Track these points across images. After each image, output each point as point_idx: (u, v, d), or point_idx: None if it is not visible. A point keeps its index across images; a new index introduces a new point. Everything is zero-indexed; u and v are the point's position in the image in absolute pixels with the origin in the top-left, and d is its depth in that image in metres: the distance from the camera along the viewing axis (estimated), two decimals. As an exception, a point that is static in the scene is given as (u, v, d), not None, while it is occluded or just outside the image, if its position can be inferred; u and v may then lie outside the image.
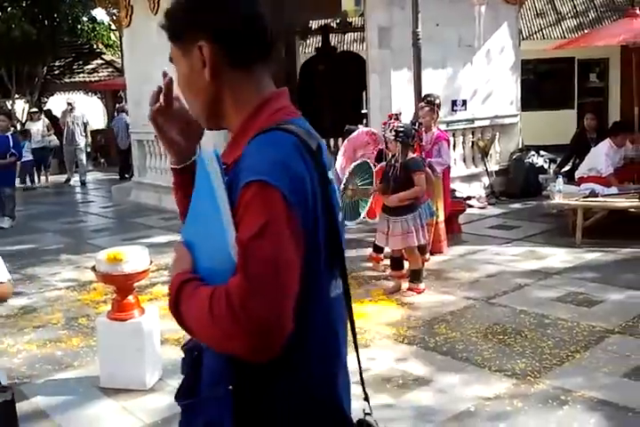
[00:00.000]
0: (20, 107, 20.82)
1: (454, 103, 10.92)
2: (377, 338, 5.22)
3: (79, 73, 21.78)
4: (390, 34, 10.05)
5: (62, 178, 17.06)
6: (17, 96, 20.41)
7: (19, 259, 8.42)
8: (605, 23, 16.94)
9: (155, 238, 8.94)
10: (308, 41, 19.82)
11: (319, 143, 1.49)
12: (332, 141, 11.27)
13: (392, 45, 10.04)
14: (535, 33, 18.56)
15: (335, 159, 7.53)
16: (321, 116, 13.52)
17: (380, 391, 4.27)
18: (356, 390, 4.55)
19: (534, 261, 7.25)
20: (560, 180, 8.47)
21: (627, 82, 11.76)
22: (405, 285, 6.37)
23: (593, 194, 8.23)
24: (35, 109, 17.86)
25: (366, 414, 1.73)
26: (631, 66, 9.94)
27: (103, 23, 25.17)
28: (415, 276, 6.35)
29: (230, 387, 1.45)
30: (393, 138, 6.19)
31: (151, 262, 4.52)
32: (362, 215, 6.87)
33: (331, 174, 1.55)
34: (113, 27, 20.42)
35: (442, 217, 7.56)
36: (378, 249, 7.10)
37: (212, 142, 2.08)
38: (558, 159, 11.40)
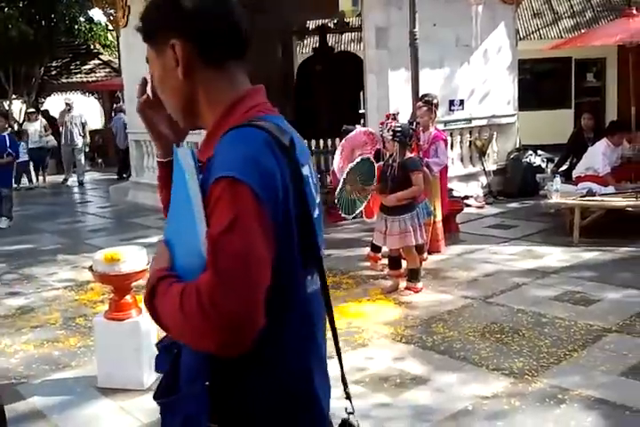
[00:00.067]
0: (18, 107, 20.81)
1: (452, 103, 10.92)
2: (375, 337, 5.22)
3: (76, 73, 21.77)
4: (388, 34, 10.06)
5: (60, 178, 17.04)
6: (14, 96, 20.38)
7: (16, 259, 8.43)
8: (602, 23, 16.97)
9: (152, 238, 8.94)
10: (305, 41, 19.85)
11: (292, 139, 1.49)
12: (329, 141, 11.26)
13: (389, 45, 10.05)
14: (532, 33, 18.58)
15: (332, 159, 7.52)
16: (318, 116, 13.55)
17: (377, 391, 4.28)
18: (354, 390, 4.54)
19: (532, 261, 7.26)
20: (557, 179, 8.48)
21: (624, 81, 11.77)
22: (403, 284, 6.38)
23: (590, 193, 8.24)
24: (32, 110, 17.85)
25: (349, 413, 1.72)
26: (628, 65, 9.97)
27: (100, 23, 25.13)
28: (413, 275, 6.35)
29: (207, 383, 1.46)
30: (390, 138, 6.19)
31: (148, 262, 4.52)
32: (357, 212, 6.88)
33: (306, 170, 1.55)
34: (110, 27, 20.40)
35: (439, 216, 7.57)
36: (376, 248, 7.10)
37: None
38: (556, 159, 11.42)
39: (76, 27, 22.76)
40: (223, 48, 1.55)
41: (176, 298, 1.36)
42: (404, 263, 6.47)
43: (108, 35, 25.47)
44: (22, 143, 14.65)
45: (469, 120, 11.25)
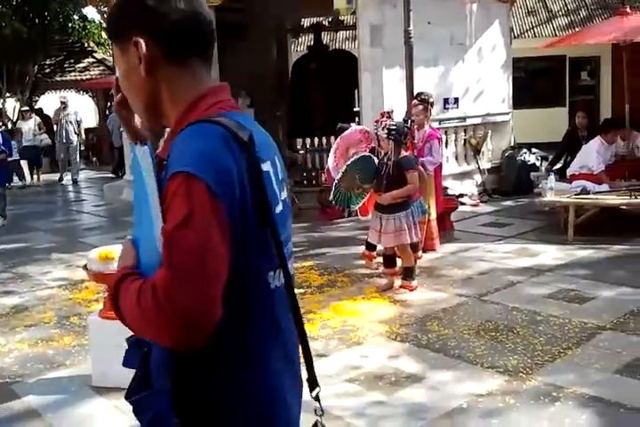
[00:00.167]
0: (11, 105, 20.75)
1: (446, 101, 10.94)
2: (369, 335, 5.22)
3: (70, 71, 21.70)
4: (382, 32, 10.06)
5: (54, 177, 17.01)
6: (8, 95, 20.33)
7: (10, 258, 8.41)
8: (596, 21, 17.00)
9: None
10: (299, 39, 19.81)
11: (251, 135, 1.48)
12: (324, 139, 11.27)
13: (384, 44, 10.05)
14: (526, 31, 18.61)
15: (327, 157, 7.52)
16: (313, 114, 13.53)
17: (372, 389, 4.28)
18: (349, 388, 4.52)
19: (526, 259, 7.27)
20: (552, 177, 8.49)
21: (618, 80, 11.78)
22: (398, 282, 6.38)
23: (584, 191, 8.26)
24: (26, 108, 17.80)
25: (319, 415, 1.72)
26: (622, 64, 9.96)
27: (94, 21, 25.10)
28: (408, 273, 6.35)
29: (173, 378, 1.47)
30: (385, 136, 6.19)
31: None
32: (355, 207, 6.90)
33: (267, 166, 1.55)
34: (104, 25, 20.35)
35: (434, 215, 7.58)
36: (370, 247, 7.10)
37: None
38: (550, 157, 11.45)
39: (70, 25, 22.71)
40: (186, 46, 1.56)
41: (134, 294, 1.38)
42: (398, 261, 6.48)
43: (102, 33, 25.42)
44: (13, 142, 14.61)
45: (464, 118, 11.27)
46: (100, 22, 22.11)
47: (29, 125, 16.60)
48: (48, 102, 21.20)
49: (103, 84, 19.92)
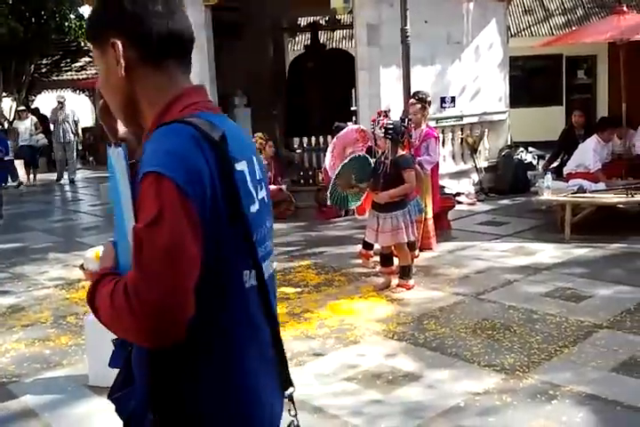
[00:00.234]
0: (8, 105, 20.71)
1: (443, 100, 10.93)
2: (367, 334, 5.23)
3: (67, 71, 21.67)
4: (379, 31, 10.05)
5: (50, 176, 16.98)
6: (4, 94, 20.29)
7: (7, 257, 8.39)
8: (593, 20, 17.03)
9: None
10: (296, 38, 19.81)
11: (224, 134, 1.49)
12: (321, 138, 11.27)
13: (381, 43, 10.04)
14: (523, 30, 18.63)
15: (324, 156, 7.52)
16: (310, 114, 13.52)
17: (369, 387, 4.28)
18: (346, 387, 4.52)
19: (523, 257, 7.28)
20: (548, 176, 8.51)
21: (614, 79, 11.78)
22: (395, 281, 6.38)
23: (581, 190, 8.27)
24: (22, 108, 17.75)
25: (293, 415, 1.72)
26: (619, 63, 9.98)
27: (91, 21, 25.03)
28: (405, 272, 6.36)
29: (150, 374, 1.49)
30: (382, 135, 6.20)
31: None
32: (352, 207, 6.91)
33: (241, 166, 1.56)
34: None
35: (430, 214, 7.58)
36: (367, 246, 7.11)
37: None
38: (547, 156, 11.45)
39: (67, 24, 22.69)
40: (162, 48, 1.58)
41: (108, 295, 1.40)
42: (395, 260, 6.48)
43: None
44: (9, 142, 14.58)
45: (461, 117, 11.27)
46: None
47: (26, 125, 16.57)
48: (44, 102, 21.18)
49: (100, 83, 19.89)
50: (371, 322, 5.49)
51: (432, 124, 8.95)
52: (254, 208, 1.58)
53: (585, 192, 8.24)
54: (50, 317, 6.02)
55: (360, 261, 7.29)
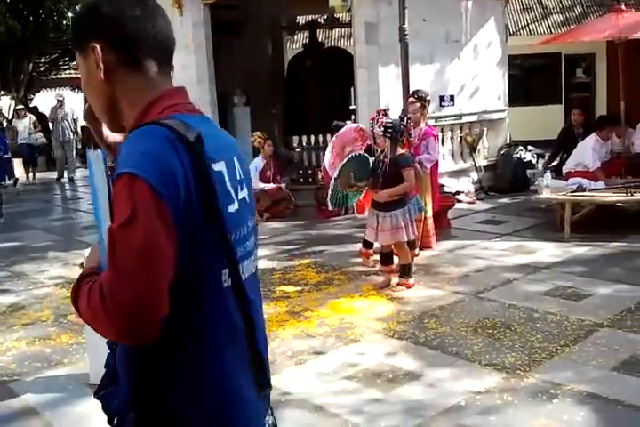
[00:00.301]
0: (6, 104, 20.69)
1: (442, 99, 10.93)
2: (367, 333, 5.23)
3: (65, 69, 21.65)
4: (377, 30, 10.05)
5: (49, 175, 16.97)
6: (3, 93, 20.28)
7: (7, 256, 8.39)
8: (591, 18, 17.02)
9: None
10: (295, 37, 19.79)
11: (199, 135, 1.50)
12: (320, 137, 11.27)
13: (379, 41, 10.04)
14: (522, 28, 18.63)
15: (323, 155, 7.52)
16: (309, 112, 13.52)
17: (369, 386, 4.29)
18: (347, 385, 4.52)
19: (523, 256, 7.28)
20: (548, 174, 8.51)
21: (613, 77, 11.79)
22: (395, 280, 6.39)
23: (580, 188, 8.28)
24: (21, 106, 17.72)
25: (268, 415, 1.72)
26: (617, 61, 9.98)
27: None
28: (405, 271, 6.36)
29: (131, 372, 1.51)
30: (382, 134, 6.20)
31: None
32: (350, 204, 6.92)
33: (219, 166, 1.56)
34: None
35: (430, 212, 7.58)
36: (367, 244, 7.11)
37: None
38: (546, 154, 11.46)
39: (65, 22, 22.57)
40: (140, 52, 1.61)
41: (86, 295, 1.42)
42: (395, 259, 6.48)
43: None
44: (6, 140, 14.56)
45: (460, 116, 11.27)
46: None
47: (24, 124, 16.54)
48: (43, 100, 21.14)
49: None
50: (371, 321, 5.50)
51: (431, 122, 8.95)
52: (233, 208, 1.59)
53: (584, 191, 8.24)
54: (50, 315, 6.02)
55: (360, 259, 7.29)
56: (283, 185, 10.36)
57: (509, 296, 5.94)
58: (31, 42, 19.37)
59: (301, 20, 17.92)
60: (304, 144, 11.55)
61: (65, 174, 16.39)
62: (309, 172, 11.25)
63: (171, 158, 1.43)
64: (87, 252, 4.48)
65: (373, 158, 6.49)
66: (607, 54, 15.69)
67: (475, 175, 11.48)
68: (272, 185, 10.15)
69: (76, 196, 14.75)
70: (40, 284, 7.10)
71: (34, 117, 17.21)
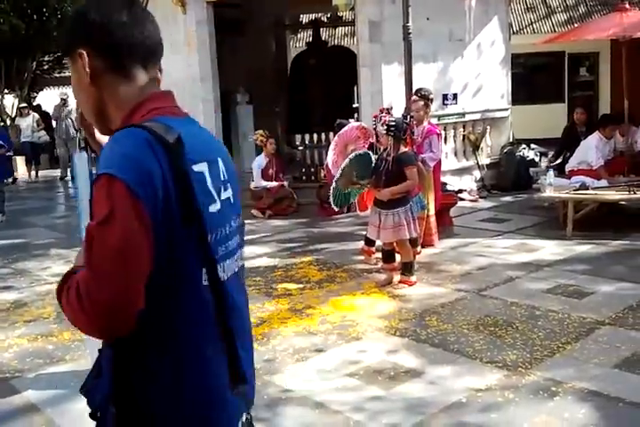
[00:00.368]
0: (10, 102, 20.71)
1: (445, 97, 10.93)
2: (369, 330, 5.23)
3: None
4: (381, 28, 10.04)
5: (52, 173, 16.98)
6: (6, 91, 20.28)
7: (9, 253, 8.41)
8: (595, 17, 16.98)
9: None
10: (298, 35, 19.79)
11: (179, 137, 1.51)
12: (323, 135, 11.28)
13: (383, 40, 10.03)
14: (525, 27, 18.60)
15: (326, 153, 7.52)
16: (312, 111, 13.52)
17: (371, 383, 4.29)
18: (348, 382, 4.52)
19: (525, 254, 7.27)
20: (550, 173, 8.50)
21: (617, 76, 11.80)
22: (397, 277, 6.39)
23: (583, 187, 8.27)
24: (24, 105, 17.74)
25: (248, 414, 1.72)
26: (621, 60, 9.97)
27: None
28: (407, 268, 6.36)
29: (112, 367, 1.53)
30: (384, 132, 6.19)
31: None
32: (350, 201, 6.93)
33: (201, 167, 1.58)
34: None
35: (432, 210, 7.58)
36: (369, 242, 7.11)
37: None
38: (549, 153, 11.45)
39: (68, 21, 22.66)
40: (126, 56, 1.64)
41: (65, 292, 1.46)
42: (397, 257, 6.48)
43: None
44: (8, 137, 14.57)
45: (463, 114, 11.26)
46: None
47: (28, 122, 16.57)
48: (47, 99, 21.16)
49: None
50: (373, 318, 5.50)
51: (434, 121, 8.95)
52: (214, 208, 1.60)
53: (587, 189, 8.23)
54: (52, 312, 6.02)
55: (362, 257, 7.29)
56: (285, 183, 10.36)
57: (511, 294, 5.94)
58: (35, 40, 19.36)
59: (305, 18, 17.93)
60: (307, 142, 11.55)
61: (68, 172, 16.39)
62: (312, 170, 11.25)
63: (149, 160, 1.45)
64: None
65: (376, 156, 6.49)
66: (611, 53, 15.68)
67: (477, 173, 11.47)
68: (275, 183, 10.16)
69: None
70: (42, 281, 7.12)
71: (37, 116, 17.24)
